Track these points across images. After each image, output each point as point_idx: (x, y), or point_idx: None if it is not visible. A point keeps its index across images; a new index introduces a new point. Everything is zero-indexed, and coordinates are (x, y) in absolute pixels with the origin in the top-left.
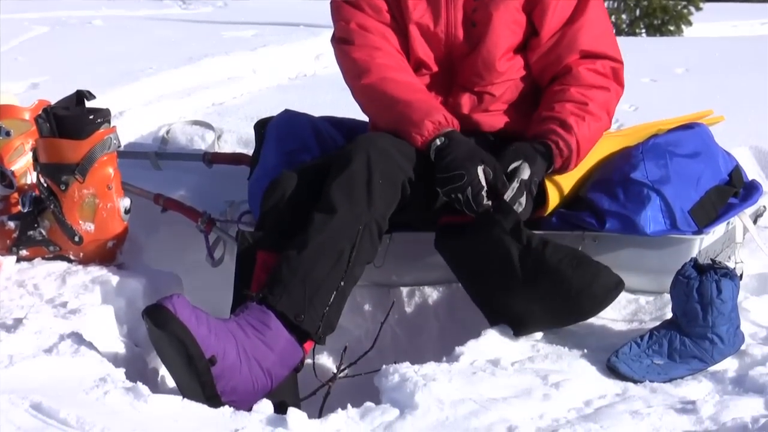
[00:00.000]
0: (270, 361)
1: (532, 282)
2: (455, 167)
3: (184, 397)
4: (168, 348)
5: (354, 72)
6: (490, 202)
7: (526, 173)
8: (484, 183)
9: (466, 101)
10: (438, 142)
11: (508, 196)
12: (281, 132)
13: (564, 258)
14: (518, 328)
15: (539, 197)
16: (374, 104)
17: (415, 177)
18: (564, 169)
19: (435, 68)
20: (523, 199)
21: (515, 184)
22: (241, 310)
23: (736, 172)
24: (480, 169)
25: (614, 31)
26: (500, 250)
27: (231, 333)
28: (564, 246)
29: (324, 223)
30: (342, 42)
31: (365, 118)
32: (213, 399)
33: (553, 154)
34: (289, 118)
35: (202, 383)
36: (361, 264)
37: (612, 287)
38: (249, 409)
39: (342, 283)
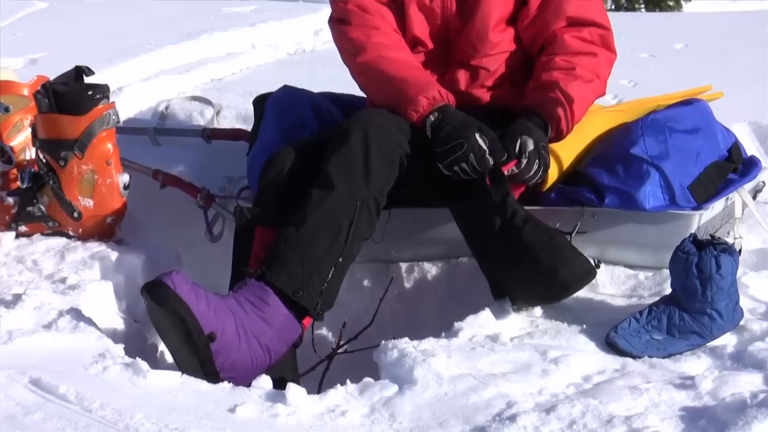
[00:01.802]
0: (268, 337)
1: (508, 257)
2: (454, 137)
3: (183, 373)
4: (167, 324)
5: (350, 51)
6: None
7: (530, 144)
8: (485, 147)
9: (462, 77)
10: (432, 117)
11: (520, 166)
12: (280, 108)
13: (539, 239)
14: (511, 299)
15: None
16: (371, 82)
17: (413, 153)
18: (560, 134)
19: (431, 45)
20: (536, 166)
21: (524, 159)
22: (239, 286)
23: (735, 147)
24: (478, 136)
25: (613, 6)
26: (484, 220)
27: (230, 309)
28: (546, 227)
29: (322, 200)
30: (339, 22)
31: (364, 94)
32: (212, 375)
33: (545, 120)
34: (288, 93)
35: (201, 359)
36: (360, 240)
37: (581, 276)
38: (248, 385)
39: (340, 260)
